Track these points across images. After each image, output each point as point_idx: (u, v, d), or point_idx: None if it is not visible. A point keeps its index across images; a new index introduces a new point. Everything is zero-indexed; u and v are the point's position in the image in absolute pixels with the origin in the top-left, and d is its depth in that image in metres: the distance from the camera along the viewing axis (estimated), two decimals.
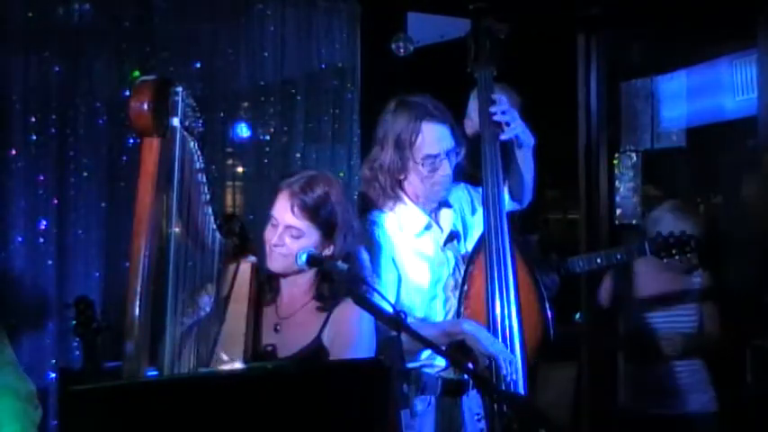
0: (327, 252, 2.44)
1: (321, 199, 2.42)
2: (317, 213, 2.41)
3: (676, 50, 4.45)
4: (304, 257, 2.37)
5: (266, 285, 2.53)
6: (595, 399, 4.71)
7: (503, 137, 2.89)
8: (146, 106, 2.18)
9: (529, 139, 2.97)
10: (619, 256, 3.43)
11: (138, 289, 2.16)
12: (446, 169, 2.75)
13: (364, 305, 2.21)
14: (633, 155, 4.62)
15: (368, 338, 2.43)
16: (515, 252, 2.85)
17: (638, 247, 3.40)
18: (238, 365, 2.30)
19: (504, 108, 2.90)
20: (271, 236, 2.44)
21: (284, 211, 2.42)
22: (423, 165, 2.73)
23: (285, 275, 2.48)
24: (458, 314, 2.78)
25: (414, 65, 4.57)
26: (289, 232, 2.41)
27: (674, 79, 4.46)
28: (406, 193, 2.79)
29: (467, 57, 3.05)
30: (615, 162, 4.68)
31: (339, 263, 2.38)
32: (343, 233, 2.45)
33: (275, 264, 2.45)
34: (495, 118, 2.89)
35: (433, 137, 2.72)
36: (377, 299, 2.30)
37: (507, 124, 2.88)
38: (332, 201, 2.43)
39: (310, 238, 2.42)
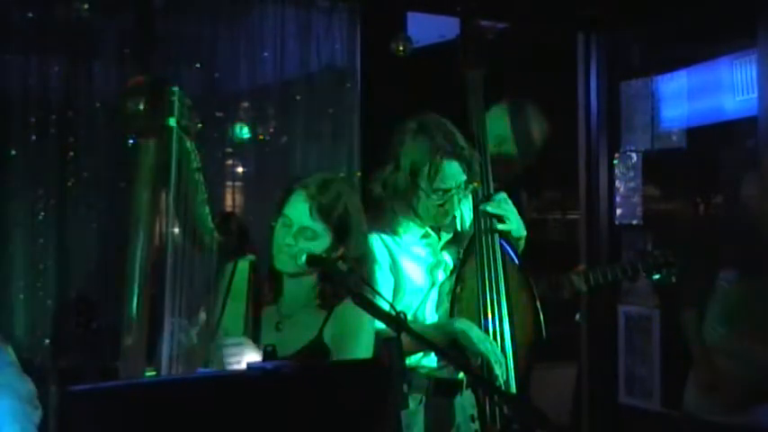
0: (338, 254, 2.46)
1: (335, 200, 2.44)
2: (332, 215, 2.43)
3: (676, 50, 4.44)
4: (303, 258, 2.38)
5: (268, 284, 2.55)
6: (595, 399, 4.71)
7: (499, 225, 2.89)
8: (141, 107, 2.18)
9: (521, 232, 2.97)
10: (618, 274, 3.38)
11: (136, 289, 2.17)
12: (454, 204, 2.79)
13: (364, 306, 2.21)
14: (633, 155, 4.61)
15: (367, 336, 2.44)
16: (507, 252, 2.87)
17: (633, 265, 3.36)
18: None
19: (501, 209, 2.90)
20: (282, 236, 2.45)
21: (301, 213, 2.43)
22: (433, 196, 2.75)
23: (291, 275, 2.49)
24: (450, 316, 2.80)
25: (414, 65, 4.57)
26: (303, 233, 2.43)
27: (674, 79, 4.46)
28: (414, 214, 2.81)
29: (456, 59, 3.07)
30: (615, 162, 4.68)
31: (339, 263, 2.39)
32: (356, 235, 2.47)
33: (284, 264, 2.46)
34: (490, 210, 2.89)
35: (448, 173, 2.74)
36: (377, 299, 2.31)
37: (502, 220, 2.89)
38: (345, 202, 2.46)
39: (324, 239, 2.44)
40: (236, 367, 2.28)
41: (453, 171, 2.75)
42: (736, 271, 3.65)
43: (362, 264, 2.50)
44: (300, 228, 2.44)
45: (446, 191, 2.76)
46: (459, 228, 2.95)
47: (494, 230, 2.88)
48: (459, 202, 2.82)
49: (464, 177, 2.78)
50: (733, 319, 3.59)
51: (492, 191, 2.93)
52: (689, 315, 3.73)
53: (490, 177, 2.94)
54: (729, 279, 3.64)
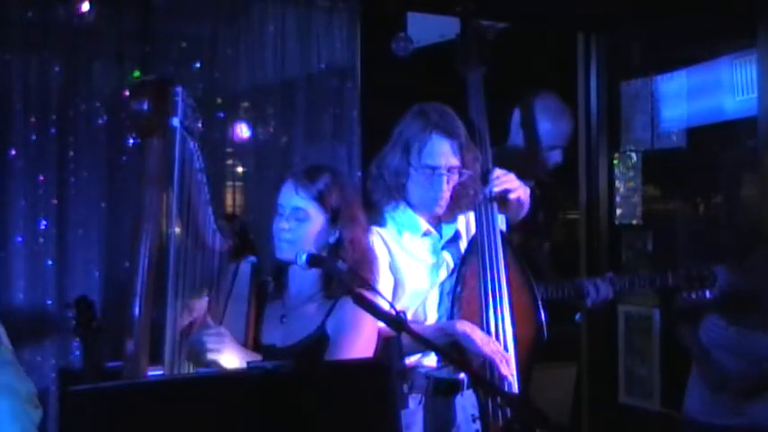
0: (333, 238, 2.48)
1: (324, 183, 2.48)
2: (322, 197, 2.47)
3: (676, 50, 4.44)
4: (304, 257, 2.40)
5: (274, 281, 2.57)
6: (595, 399, 4.71)
7: (510, 196, 2.94)
8: (145, 106, 2.19)
9: (526, 194, 3.01)
10: (643, 283, 3.39)
11: (139, 289, 2.17)
12: (442, 185, 2.76)
13: (364, 305, 2.21)
14: (633, 155, 4.61)
15: (370, 329, 2.45)
16: (508, 253, 2.88)
17: (661, 277, 3.36)
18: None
19: (504, 181, 2.93)
20: (278, 224, 2.49)
21: (290, 195, 2.48)
22: (421, 173, 2.75)
23: (294, 266, 2.51)
24: (451, 316, 2.80)
25: (414, 65, 4.56)
26: (295, 215, 2.47)
27: (674, 79, 4.45)
28: (407, 198, 2.81)
29: (456, 59, 3.09)
30: (615, 162, 4.68)
31: (339, 263, 2.40)
32: (348, 218, 2.50)
33: (283, 252, 2.49)
34: (496, 190, 2.90)
35: (438, 149, 2.74)
36: (377, 299, 2.31)
37: (508, 191, 2.93)
38: (335, 186, 2.49)
39: (316, 221, 2.47)
40: (214, 357, 2.28)
41: (444, 149, 2.76)
42: (735, 268, 3.64)
43: (358, 246, 2.52)
44: (292, 210, 2.48)
45: (434, 168, 2.75)
46: (463, 223, 2.95)
47: (498, 229, 2.88)
48: (446, 189, 2.79)
49: (456, 162, 2.78)
50: (734, 315, 3.60)
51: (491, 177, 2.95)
52: (684, 324, 3.74)
53: (490, 164, 2.96)
54: (729, 277, 3.64)
